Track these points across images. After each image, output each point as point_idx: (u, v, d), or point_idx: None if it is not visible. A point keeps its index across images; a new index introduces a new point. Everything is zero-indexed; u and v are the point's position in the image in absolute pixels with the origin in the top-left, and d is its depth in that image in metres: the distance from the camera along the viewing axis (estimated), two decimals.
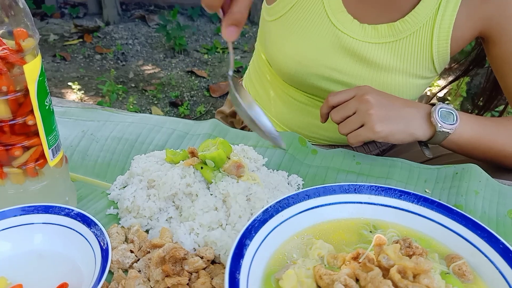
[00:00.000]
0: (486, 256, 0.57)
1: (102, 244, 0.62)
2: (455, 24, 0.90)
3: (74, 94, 2.66)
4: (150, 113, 2.57)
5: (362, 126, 0.82)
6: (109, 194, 0.79)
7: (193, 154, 0.77)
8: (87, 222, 0.65)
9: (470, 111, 1.17)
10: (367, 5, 0.93)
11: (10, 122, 0.61)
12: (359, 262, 0.53)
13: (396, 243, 0.55)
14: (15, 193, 0.67)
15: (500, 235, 0.71)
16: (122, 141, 0.92)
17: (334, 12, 0.94)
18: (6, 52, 0.57)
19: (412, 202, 0.64)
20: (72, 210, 0.66)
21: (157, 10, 3.93)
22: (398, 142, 0.84)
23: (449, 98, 2.30)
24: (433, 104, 0.85)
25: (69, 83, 2.73)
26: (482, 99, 1.14)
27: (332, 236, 0.61)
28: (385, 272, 0.51)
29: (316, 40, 0.95)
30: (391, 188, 0.66)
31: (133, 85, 2.81)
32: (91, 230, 0.64)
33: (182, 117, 2.61)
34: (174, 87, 2.82)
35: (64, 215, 0.66)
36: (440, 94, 2.39)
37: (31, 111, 0.62)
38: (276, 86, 1.11)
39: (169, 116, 2.63)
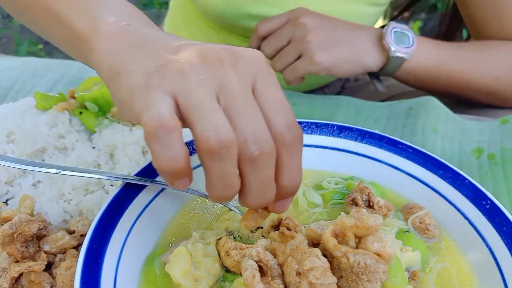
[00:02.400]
0: (451, 203, 0.42)
1: None
2: None
3: None
4: None
5: (299, 57, 0.65)
6: None
7: (72, 97, 0.58)
8: None
9: None
10: None
11: None
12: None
13: (351, 199, 0.40)
14: None
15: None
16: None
17: None
18: None
19: (356, 140, 0.48)
20: None
21: None
22: (345, 74, 0.68)
23: None
24: (383, 26, 0.69)
25: None
26: (439, 35, 0.99)
27: None
28: (316, 239, 0.35)
29: None
30: (327, 124, 0.50)
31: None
32: None
33: None
34: None
35: None
36: None
37: None
38: (203, 28, 0.92)
39: None
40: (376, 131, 0.50)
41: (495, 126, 0.66)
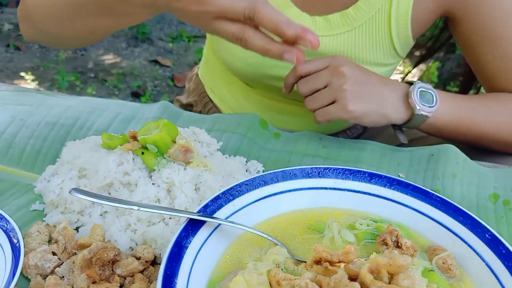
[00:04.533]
0: (470, 247, 0.49)
1: (14, 242, 0.51)
2: (413, 5, 0.81)
3: (27, 85, 2.49)
4: None
5: (333, 102, 0.72)
6: (36, 187, 0.67)
7: (134, 138, 0.66)
8: None
9: None
10: None
11: None
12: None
13: (381, 240, 0.46)
14: None
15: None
16: (57, 126, 0.81)
17: (280, 8, 0.83)
18: None
19: (384, 186, 0.55)
20: None
21: None
22: (371, 124, 0.75)
23: None
24: (411, 83, 0.76)
25: (22, 74, 2.55)
26: (454, 85, 1.06)
27: (290, 232, 0.51)
28: (354, 275, 0.41)
29: None
30: (360, 171, 0.57)
31: (92, 75, 2.66)
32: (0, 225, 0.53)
33: None
34: (136, 77, 2.68)
35: None
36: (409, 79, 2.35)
37: None
38: (233, 82, 1.00)
39: None
40: (402, 179, 0.57)
41: (510, 173, 0.72)
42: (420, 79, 2.52)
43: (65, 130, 0.80)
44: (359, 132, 1.07)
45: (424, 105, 0.72)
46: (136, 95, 2.52)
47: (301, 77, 0.75)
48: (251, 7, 0.55)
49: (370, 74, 0.75)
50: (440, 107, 0.74)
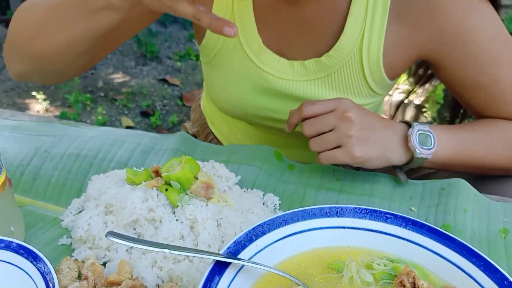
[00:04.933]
0: (482, 287, 0.51)
1: (50, 284, 0.53)
2: (384, 52, 0.82)
3: (39, 104, 2.53)
4: (120, 123, 2.46)
5: (339, 147, 0.74)
6: (63, 221, 0.70)
7: (157, 173, 0.69)
8: (32, 256, 0.56)
9: (448, 118, 1.12)
10: (291, 40, 0.86)
11: None
12: None
13: (399, 282, 0.49)
14: None
15: (493, 256, 0.66)
16: (80, 158, 0.84)
17: (257, 55, 0.87)
18: None
19: (400, 226, 0.58)
20: (12, 242, 0.57)
21: None
22: (373, 167, 0.77)
23: (426, 105, 2.28)
24: (409, 124, 0.78)
25: (33, 93, 2.59)
26: (450, 112, 1.09)
27: (310, 271, 0.54)
28: None
29: (245, 84, 0.89)
30: (376, 211, 0.59)
31: (102, 94, 2.70)
32: (37, 266, 0.55)
33: (154, 128, 2.53)
34: (145, 96, 2.72)
35: (4, 248, 0.57)
36: (417, 101, 2.37)
37: None
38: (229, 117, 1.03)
39: (140, 126, 2.54)
40: (414, 212, 0.60)
41: None
42: (426, 100, 2.54)
43: (88, 162, 0.83)
44: None
45: (423, 148, 0.75)
46: (145, 115, 2.55)
47: (305, 118, 0.76)
48: None
49: (374, 118, 0.77)
50: (438, 147, 0.76)
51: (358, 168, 0.83)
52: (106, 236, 0.51)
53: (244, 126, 1.03)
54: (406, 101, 2.39)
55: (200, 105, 1.19)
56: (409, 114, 2.31)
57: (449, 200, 0.75)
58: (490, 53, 0.80)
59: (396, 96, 1.82)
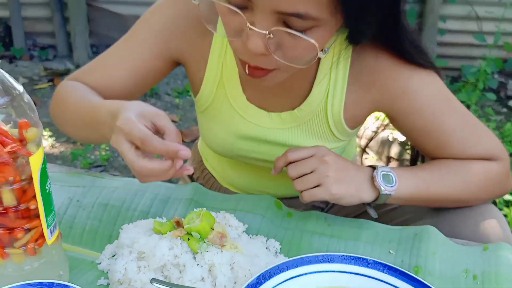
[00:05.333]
0: None
1: None
2: (344, 109, 1.01)
3: (44, 140, 2.67)
4: (122, 159, 2.60)
5: (318, 185, 0.90)
6: (99, 264, 0.84)
7: (178, 223, 0.84)
8: None
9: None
10: (268, 97, 1.05)
11: (14, 208, 0.66)
12: None
13: None
14: (13, 271, 0.71)
15: None
16: (109, 207, 0.98)
17: (242, 108, 1.05)
18: (15, 146, 0.63)
19: (378, 270, 0.73)
20: (67, 285, 0.70)
21: None
22: (347, 204, 0.93)
23: (409, 143, 2.45)
24: (374, 167, 0.94)
25: None
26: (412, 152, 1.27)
27: None
28: None
29: (231, 131, 1.07)
30: (359, 257, 0.74)
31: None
32: None
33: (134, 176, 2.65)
34: None
35: None
36: (402, 139, 2.54)
37: (34, 197, 0.68)
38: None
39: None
40: (392, 254, 0.74)
41: (479, 251, 0.90)
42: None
43: (116, 211, 0.97)
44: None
45: (386, 185, 0.91)
46: None
47: (290, 162, 0.93)
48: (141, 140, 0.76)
49: (347, 162, 0.94)
50: (399, 184, 0.93)
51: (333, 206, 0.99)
52: (151, 282, 0.65)
53: (233, 163, 1.20)
54: (391, 138, 2.58)
55: (197, 145, 1.37)
56: (394, 150, 2.48)
57: (421, 244, 0.90)
58: (433, 107, 0.99)
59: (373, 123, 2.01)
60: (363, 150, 1.64)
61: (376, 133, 1.69)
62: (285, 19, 0.74)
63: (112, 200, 1.00)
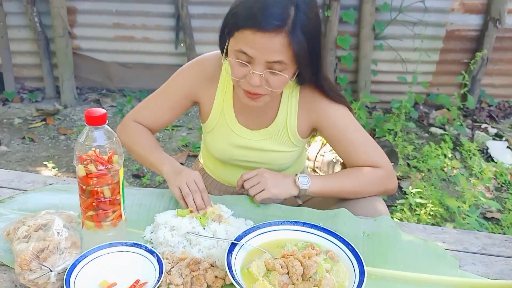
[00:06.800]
0: (341, 249, 1.25)
1: (159, 261, 1.21)
2: (297, 125, 1.65)
3: (48, 171, 3.12)
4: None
5: (263, 190, 1.51)
6: (144, 236, 1.38)
7: (191, 211, 1.40)
8: (150, 251, 1.24)
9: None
10: (251, 120, 1.68)
11: (109, 198, 1.21)
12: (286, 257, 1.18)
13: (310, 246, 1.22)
14: (104, 235, 1.25)
15: (355, 243, 1.40)
16: (142, 207, 1.53)
17: (234, 127, 1.69)
18: (108, 165, 1.19)
19: (310, 227, 1.32)
20: (141, 245, 1.24)
21: (109, 94, 4.52)
22: (283, 197, 1.54)
23: None
24: (296, 175, 1.56)
25: (45, 162, 3.19)
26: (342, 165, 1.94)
27: (273, 248, 1.26)
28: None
29: (227, 143, 1.70)
30: (297, 221, 1.33)
31: None
32: (153, 255, 1.23)
33: (145, 186, 3.17)
34: (133, 161, 3.38)
35: (136, 246, 1.24)
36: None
37: (119, 192, 1.23)
38: (217, 162, 1.82)
39: (134, 186, 3.17)
40: (321, 225, 1.33)
41: (371, 221, 1.50)
42: None
43: (146, 208, 1.52)
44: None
45: (303, 184, 1.54)
46: (137, 176, 3.21)
47: (245, 180, 1.56)
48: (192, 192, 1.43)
49: (277, 174, 1.56)
50: (312, 183, 1.55)
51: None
52: (185, 236, 1.21)
53: (225, 165, 1.81)
54: (334, 160, 3.22)
55: (199, 158, 2.01)
56: (337, 169, 3.11)
57: (337, 219, 1.49)
58: (347, 129, 1.63)
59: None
60: (314, 170, 2.40)
61: (323, 156, 2.46)
62: (271, 66, 1.38)
63: (143, 202, 1.55)
